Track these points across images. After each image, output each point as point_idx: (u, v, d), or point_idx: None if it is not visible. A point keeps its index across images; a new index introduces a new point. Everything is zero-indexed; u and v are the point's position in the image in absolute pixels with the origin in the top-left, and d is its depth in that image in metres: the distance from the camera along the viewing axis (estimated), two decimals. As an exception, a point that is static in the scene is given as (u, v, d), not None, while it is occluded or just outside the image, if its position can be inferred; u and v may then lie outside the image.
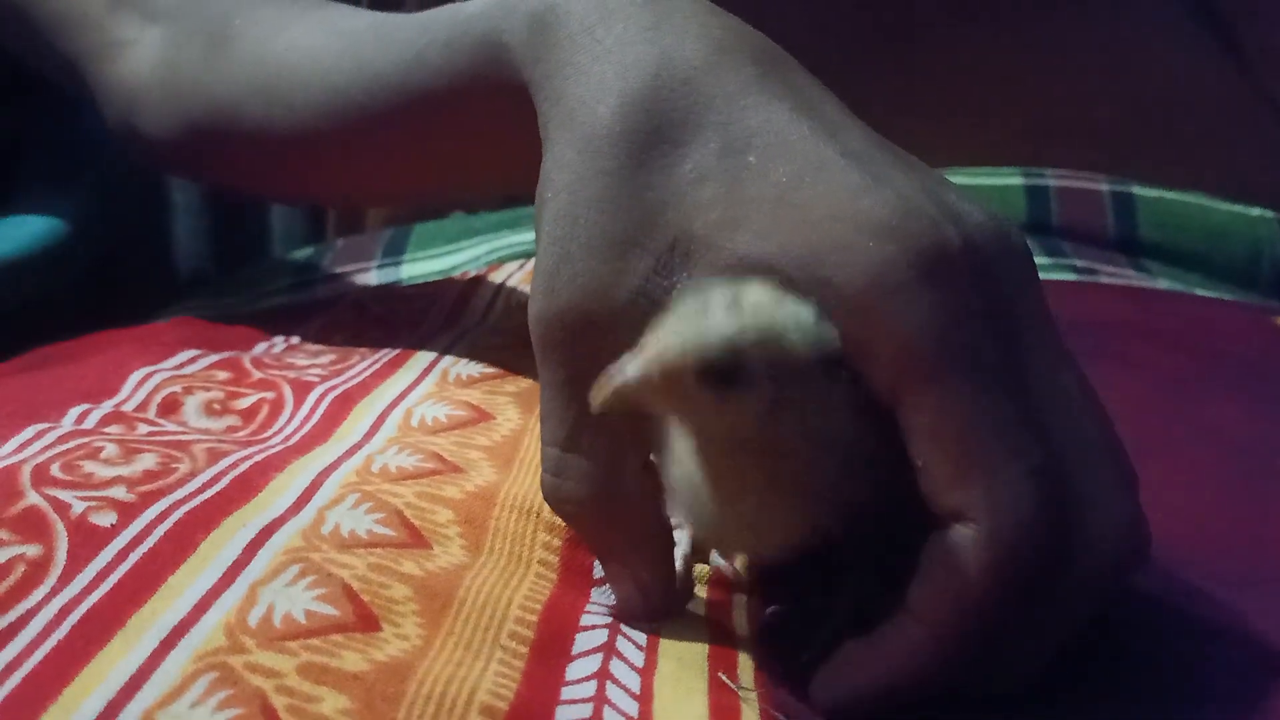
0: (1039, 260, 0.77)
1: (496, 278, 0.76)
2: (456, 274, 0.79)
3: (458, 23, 0.51)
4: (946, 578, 0.37)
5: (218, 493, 0.45)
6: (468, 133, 0.54)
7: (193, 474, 0.46)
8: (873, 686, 0.38)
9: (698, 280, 0.39)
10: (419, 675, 0.36)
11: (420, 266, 0.83)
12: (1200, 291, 0.78)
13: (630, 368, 0.36)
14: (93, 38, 0.69)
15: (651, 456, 0.43)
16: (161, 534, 0.41)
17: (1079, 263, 0.78)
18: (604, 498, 0.42)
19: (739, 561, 0.46)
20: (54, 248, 0.79)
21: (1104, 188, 0.82)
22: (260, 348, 0.67)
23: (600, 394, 0.36)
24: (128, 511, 0.43)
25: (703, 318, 0.36)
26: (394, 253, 0.85)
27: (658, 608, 0.43)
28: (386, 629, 0.38)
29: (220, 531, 0.42)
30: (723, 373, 0.36)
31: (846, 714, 0.39)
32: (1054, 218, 0.81)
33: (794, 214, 0.39)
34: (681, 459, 0.40)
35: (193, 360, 0.62)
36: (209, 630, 0.36)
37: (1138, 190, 0.81)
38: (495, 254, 0.80)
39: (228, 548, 0.41)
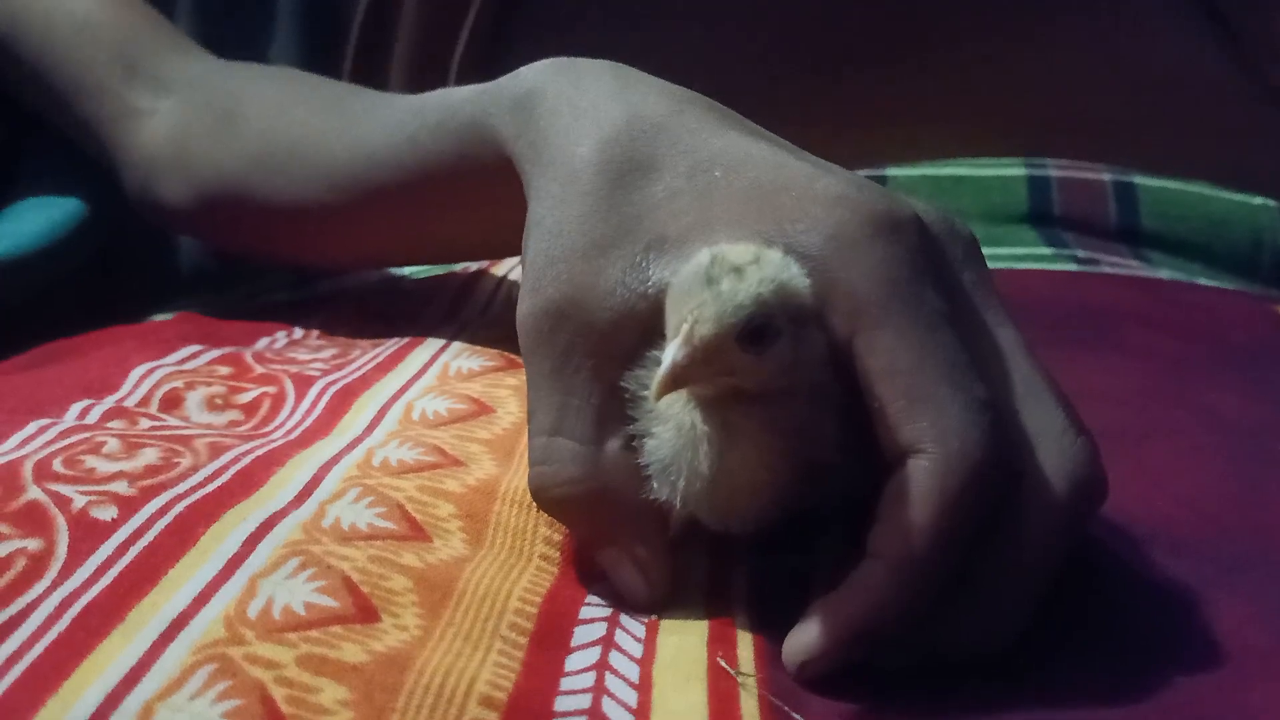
0: (1040, 250, 0.78)
1: (498, 271, 0.76)
2: (458, 269, 0.79)
3: (447, 107, 0.56)
4: (901, 511, 0.38)
5: (219, 487, 0.45)
6: (457, 206, 0.58)
7: (194, 468, 0.46)
8: (839, 635, 0.39)
9: (671, 279, 0.41)
10: (418, 666, 0.36)
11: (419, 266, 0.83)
12: (1202, 280, 0.78)
13: (675, 352, 0.38)
14: (109, 106, 0.72)
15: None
16: (162, 527, 0.41)
17: (1080, 253, 0.78)
18: (592, 474, 0.43)
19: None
20: (55, 243, 0.79)
21: (1106, 177, 0.82)
22: (262, 343, 0.67)
23: (656, 385, 0.38)
24: (129, 505, 0.43)
25: (720, 285, 0.38)
26: None
27: (659, 587, 0.43)
28: (386, 620, 0.38)
29: (221, 525, 0.42)
30: (759, 330, 0.38)
31: (818, 668, 0.39)
32: (1056, 208, 0.81)
33: (760, 204, 0.42)
34: (668, 434, 0.41)
35: (194, 355, 0.62)
36: (209, 622, 0.37)
37: (1139, 180, 0.81)
38: None
39: (228, 541, 0.41)
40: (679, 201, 0.44)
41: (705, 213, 0.43)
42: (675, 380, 0.38)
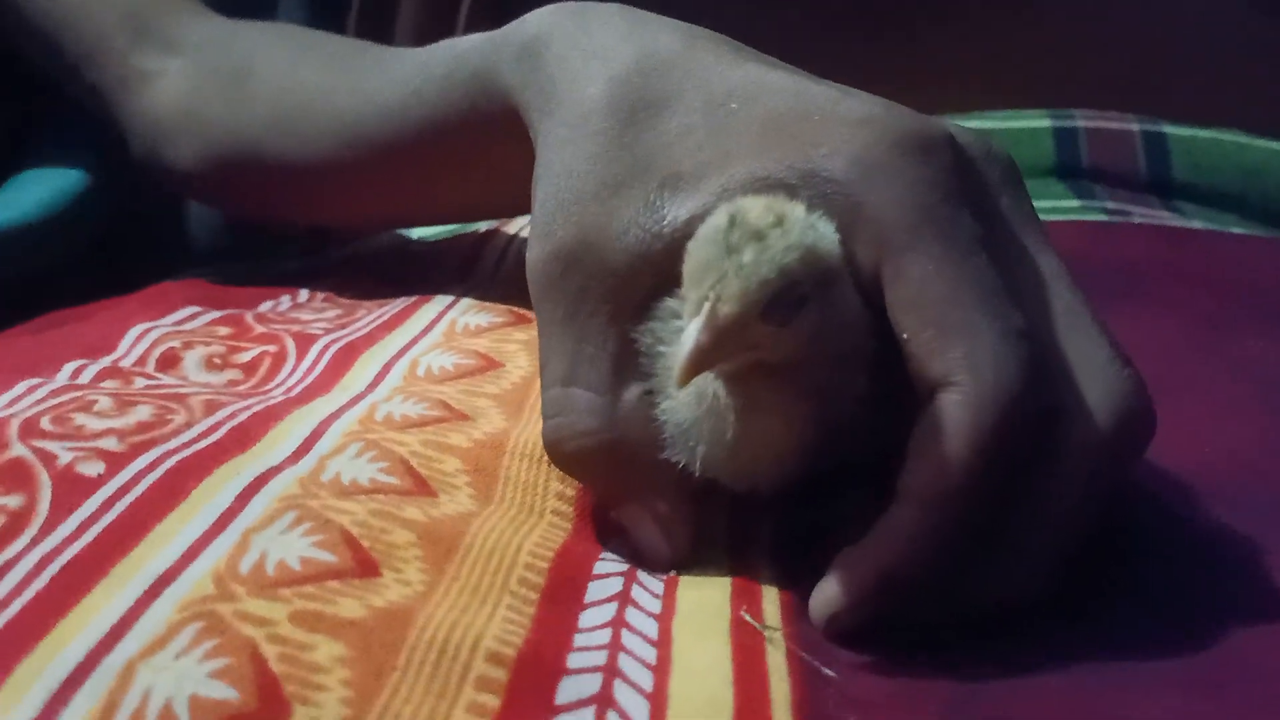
0: (1068, 203, 0.75)
1: (510, 229, 0.74)
2: (470, 229, 0.77)
3: (453, 58, 0.54)
4: (931, 449, 0.36)
5: (213, 442, 0.43)
6: (467, 161, 0.57)
7: (188, 424, 0.44)
8: (868, 585, 0.37)
9: (686, 218, 0.40)
10: (420, 621, 0.34)
11: (433, 227, 0.81)
12: (1236, 230, 0.76)
13: (697, 333, 0.35)
14: (117, 69, 0.71)
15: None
16: (151, 482, 0.39)
17: (1110, 204, 0.76)
18: (609, 425, 0.40)
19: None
20: (58, 213, 0.77)
21: (1135, 128, 0.79)
22: (266, 305, 0.65)
23: (680, 370, 0.36)
24: (116, 461, 0.41)
25: (741, 256, 0.35)
26: None
27: (681, 545, 0.41)
28: (387, 574, 0.36)
29: (213, 479, 0.40)
30: (782, 302, 0.36)
31: (847, 621, 0.37)
32: (1084, 160, 0.78)
33: (780, 133, 0.40)
34: (688, 399, 0.39)
35: (194, 317, 0.60)
36: (197, 578, 0.34)
37: (1170, 129, 0.78)
38: None
39: (220, 495, 0.39)
40: (694, 137, 0.41)
41: (722, 147, 0.41)
42: (699, 363, 0.36)
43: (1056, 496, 0.37)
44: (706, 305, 0.35)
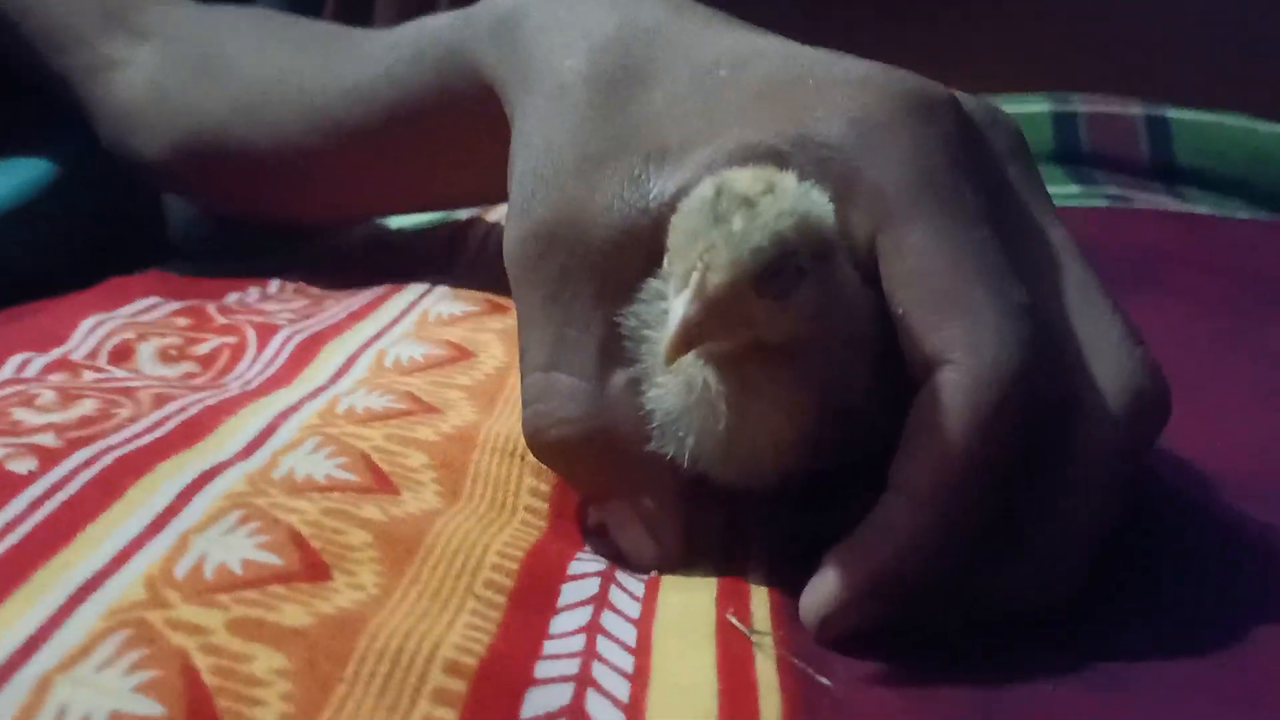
0: (1068, 190, 0.72)
1: (492, 216, 0.71)
2: (449, 219, 0.74)
3: (424, 36, 0.52)
4: (926, 434, 0.33)
5: (158, 438, 0.39)
6: (441, 144, 0.54)
7: (133, 419, 0.41)
8: (861, 585, 0.33)
9: (673, 191, 0.37)
10: (371, 629, 0.31)
11: (412, 216, 0.78)
12: (1243, 216, 0.73)
13: (685, 306, 0.32)
14: (85, 56, 0.68)
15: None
16: (86, 480, 0.36)
17: (1112, 190, 0.73)
18: (596, 414, 0.37)
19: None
20: (31, 204, 0.74)
21: (1137, 112, 0.77)
22: (232, 298, 0.62)
23: (667, 346, 0.33)
24: (50, 457, 0.37)
25: (730, 224, 0.32)
26: None
27: (671, 546, 0.38)
28: (338, 578, 0.33)
29: (153, 476, 0.36)
30: (780, 273, 0.33)
31: (841, 625, 0.34)
32: (1084, 145, 0.76)
33: (773, 99, 0.38)
34: (676, 387, 0.36)
35: (153, 308, 0.57)
36: (127, 583, 0.31)
37: (1172, 114, 0.76)
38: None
39: (160, 493, 0.35)
40: (681, 107, 0.39)
41: (710, 116, 0.38)
42: (688, 339, 0.32)
43: (1071, 488, 0.35)
44: (695, 276, 0.32)
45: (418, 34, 0.53)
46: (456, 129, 0.52)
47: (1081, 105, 0.77)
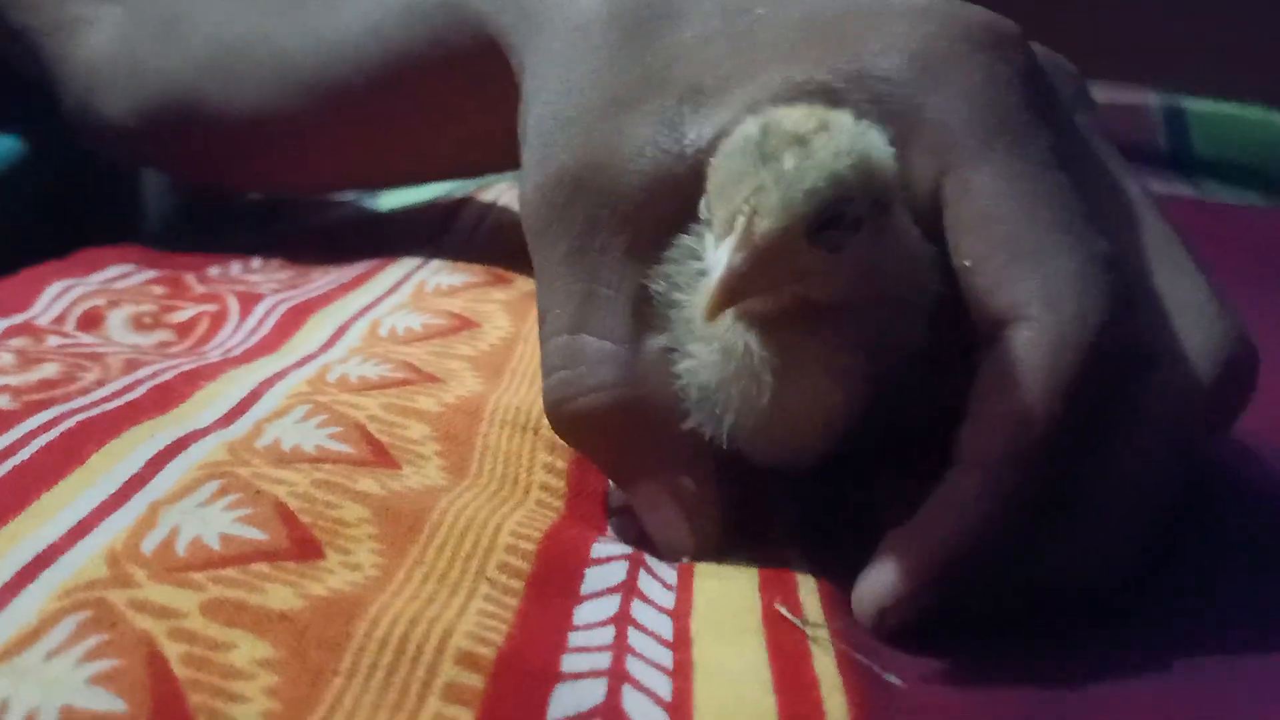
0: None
1: (487, 196, 0.67)
2: (440, 198, 0.69)
3: None
4: (1000, 398, 0.30)
5: (127, 402, 0.35)
6: (434, 106, 0.50)
7: (100, 382, 0.37)
8: (926, 570, 0.30)
9: (711, 135, 0.33)
10: (371, 614, 0.26)
11: (402, 196, 0.74)
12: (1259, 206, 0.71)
13: (729, 255, 0.28)
14: (47, 13, 0.63)
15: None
16: (41, 445, 0.32)
17: None
18: (629, 382, 0.33)
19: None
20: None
21: (1153, 101, 0.74)
22: (213, 270, 0.57)
23: (709, 300, 0.28)
24: (4, 420, 0.33)
25: (781, 163, 0.28)
26: None
27: (708, 532, 0.33)
28: (332, 557, 0.28)
29: (120, 443, 0.32)
30: (834, 221, 0.29)
31: (901, 616, 0.30)
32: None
33: (820, 34, 0.34)
34: (712, 357, 0.32)
35: (125, 275, 0.53)
36: (85, 559, 0.27)
37: (1190, 104, 0.74)
38: (487, 179, 0.71)
39: (126, 461, 0.31)
40: (715, 47, 0.35)
41: (748, 55, 0.34)
42: (732, 292, 0.28)
43: (1146, 456, 0.31)
44: (740, 220, 0.28)
45: None
46: (452, 89, 0.47)
47: (1098, 94, 0.74)
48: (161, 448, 0.32)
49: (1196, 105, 0.74)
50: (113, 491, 0.30)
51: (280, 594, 0.26)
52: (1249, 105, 0.75)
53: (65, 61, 0.63)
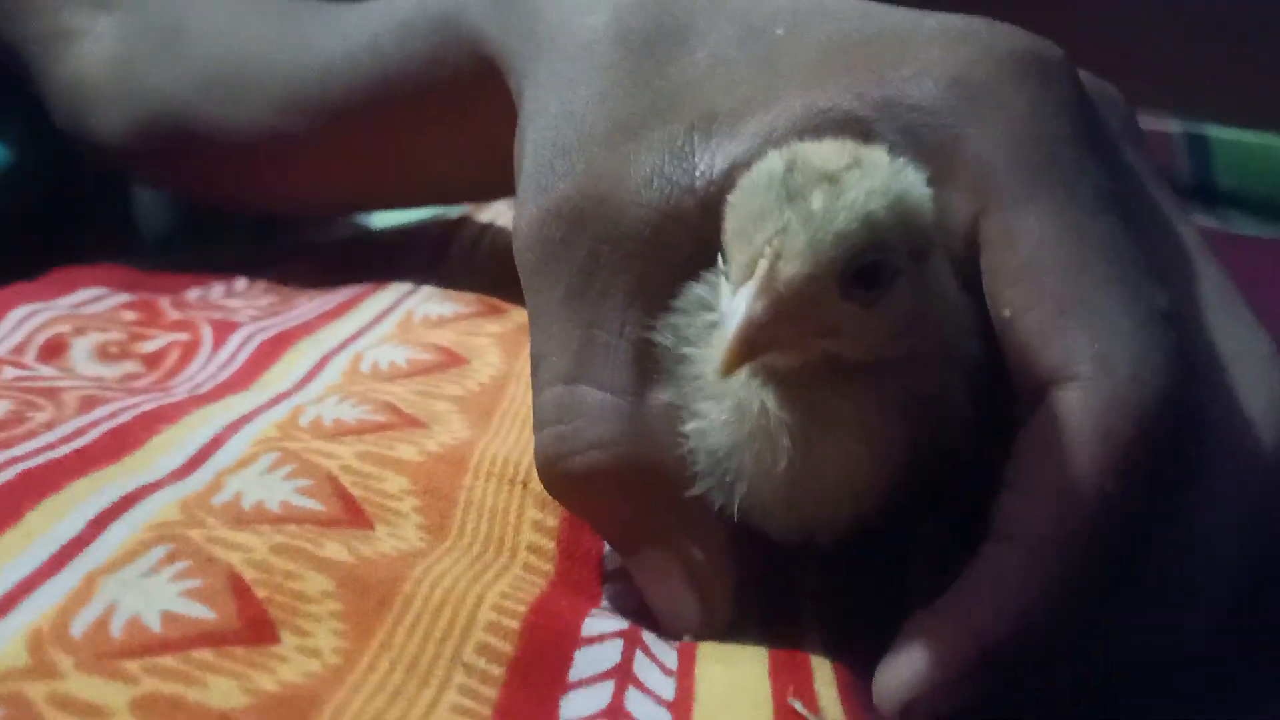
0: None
1: (484, 216, 0.64)
2: (437, 218, 0.67)
3: (412, 5, 0.45)
4: (1047, 471, 0.27)
5: (76, 449, 0.32)
6: (430, 127, 0.47)
7: (50, 425, 0.34)
8: (958, 658, 0.27)
9: (725, 167, 0.30)
10: (327, 714, 0.23)
11: (396, 215, 0.71)
12: None
13: (748, 303, 0.25)
14: (41, 24, 0.61)
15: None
16: None
17: None
18: (633, 439, 0.30)
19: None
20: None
21: (1176, 129, 0.71)
22: (193, 293, 0.54)
23: (725, 354, 0.25)
24: None
25: (809, 202, 0.25)
26: None
27: (719, 609, 0.30)
28: (287, 640, 0.25)
29: (61, 498, 0.29)
30: (868, 269, 0.26)
31: (930, 709, 0.27)
32: None
33: (846, 57, 0.31)
34: (724, 417, 0.28)
35: (96, 300, 0.50)
36: (4, 643, 0.24)
37: (1213, 132, 0.71)
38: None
39: (67, 520, 0.28)
40: (730, 70, 0.32)
41: (767, 80, 0.31)
42: (751, 345, 0.25)
43: (1213, 524, 0.28)
44: (761, 265, 0.25)
45: (405, 1, 0.46)
46: (449, 108, 0.45)
47: None
48: (107, 505, 0.29)
49: (1220, 133, 0.70)
50: (46, 558, 0.26)
51: (223, 689, 0.23)
52: (1273, 135, 0.72)
53: (58, 76, 0.61)
